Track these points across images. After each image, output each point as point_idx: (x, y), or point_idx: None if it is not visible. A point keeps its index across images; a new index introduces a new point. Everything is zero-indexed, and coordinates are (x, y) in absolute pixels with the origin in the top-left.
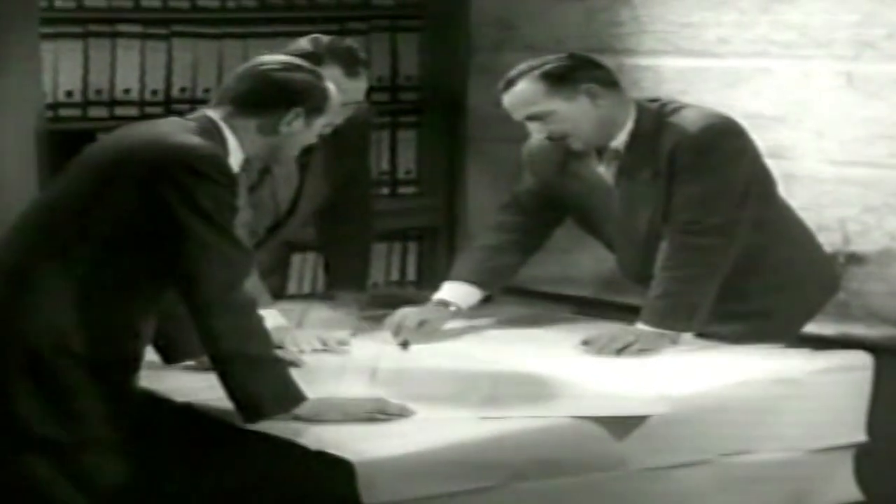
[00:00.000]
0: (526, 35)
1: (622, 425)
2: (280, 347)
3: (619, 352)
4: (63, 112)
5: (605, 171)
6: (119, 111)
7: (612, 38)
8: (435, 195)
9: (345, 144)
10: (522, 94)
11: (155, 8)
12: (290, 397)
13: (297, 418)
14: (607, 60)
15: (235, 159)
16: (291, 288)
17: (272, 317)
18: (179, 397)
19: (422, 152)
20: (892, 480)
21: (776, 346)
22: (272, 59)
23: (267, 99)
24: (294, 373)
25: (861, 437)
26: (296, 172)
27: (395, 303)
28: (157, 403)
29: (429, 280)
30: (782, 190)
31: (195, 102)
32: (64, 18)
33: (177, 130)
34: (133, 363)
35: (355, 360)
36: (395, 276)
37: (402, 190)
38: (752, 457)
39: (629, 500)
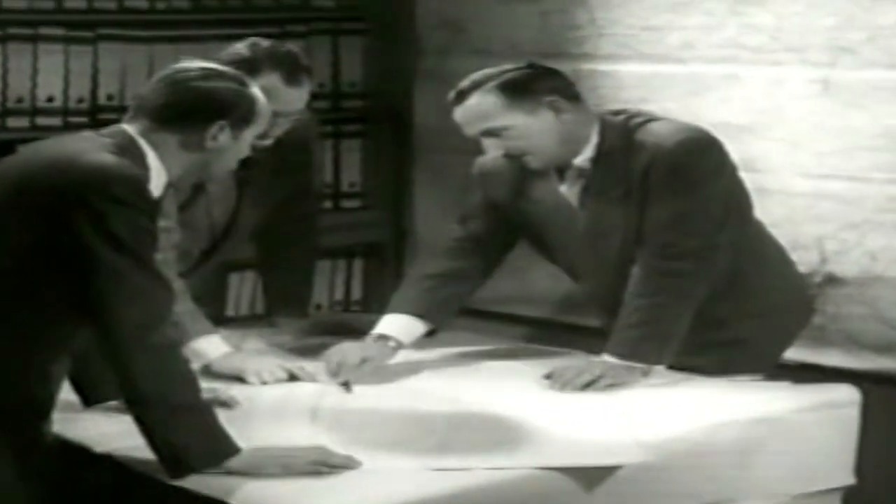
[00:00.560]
0: (476, 38)
1: (593, 476)
2: (213, 388)
3: (585, 387)
4: None
5: (567, 191)
6: (41, 121)
7: (568, 43)
8: (381, 209)
9: (286, 158)
10: (478, 107)
11: (79, 10)
12: (220, 449)
13: (230, 472)
14: (563, 66)
15: (158, 180)
16: (228, 310)
17: (216, 344)
18: (99, 447)
19: (367, 164)
20: None
21: (755, 377)
22: (190, 65)
23: (187, 112)
24: (227, 415)
25: (849, 479)
26: (233, 188)
27: (338, 330)
28: (73, 454)
29: (376, 300)
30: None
31: (123, 111)
32: None
33: (89, 149)
34: (43, 409)
35: (296, 397)
36: (339, 295)
37: (347, 204)
38: None
39: None
